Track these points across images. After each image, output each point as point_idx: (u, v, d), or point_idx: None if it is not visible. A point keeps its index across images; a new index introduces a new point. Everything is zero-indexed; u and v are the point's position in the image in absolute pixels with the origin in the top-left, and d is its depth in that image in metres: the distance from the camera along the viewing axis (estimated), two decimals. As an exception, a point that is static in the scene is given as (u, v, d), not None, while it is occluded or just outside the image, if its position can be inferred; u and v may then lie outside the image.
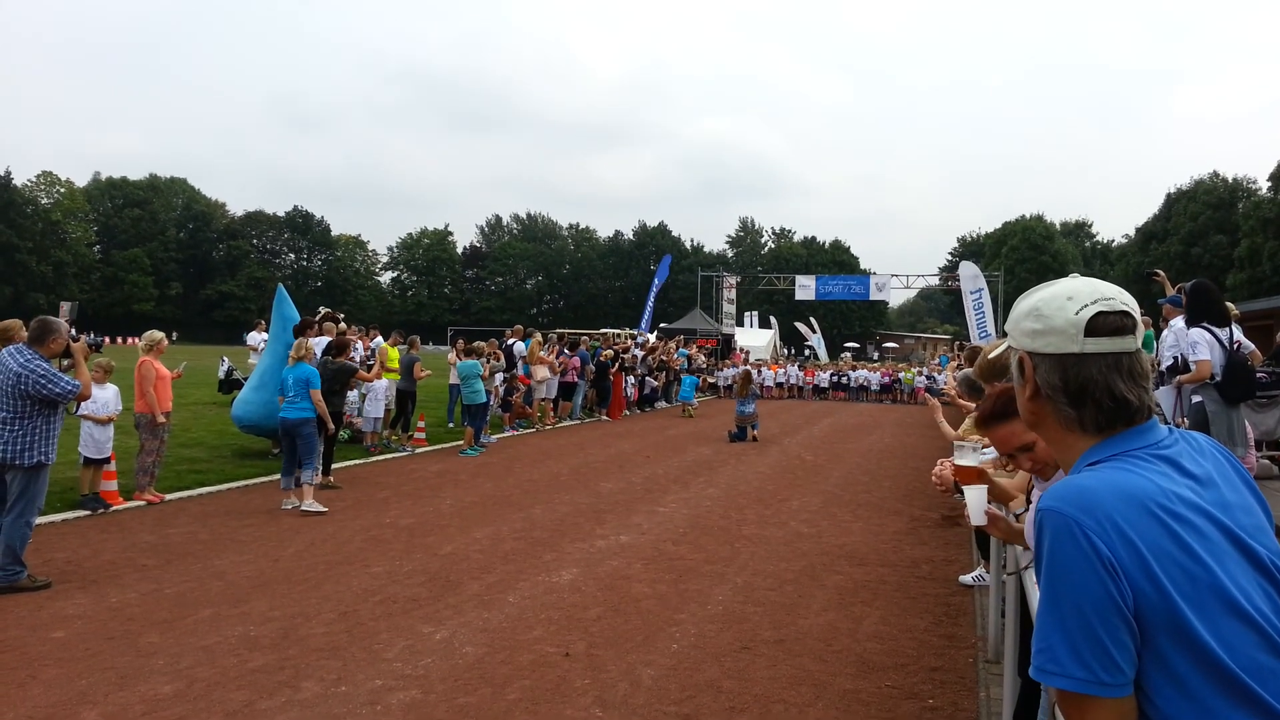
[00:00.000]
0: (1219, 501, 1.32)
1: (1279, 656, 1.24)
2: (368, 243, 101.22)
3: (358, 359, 13.15)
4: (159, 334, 9.88)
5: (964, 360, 11.91)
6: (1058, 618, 1.26)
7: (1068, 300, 1.44)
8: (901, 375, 32.97)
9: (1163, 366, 7.34)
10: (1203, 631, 1.21)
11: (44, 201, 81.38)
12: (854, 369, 34.79)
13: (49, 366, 6.43)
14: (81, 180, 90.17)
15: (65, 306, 9.08)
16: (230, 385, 19.93)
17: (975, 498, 2.77)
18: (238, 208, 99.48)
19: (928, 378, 30.82)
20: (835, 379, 33.26)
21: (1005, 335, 1.64)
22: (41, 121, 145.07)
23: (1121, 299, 1.43)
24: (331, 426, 9.95)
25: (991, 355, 2.78)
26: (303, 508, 8.85)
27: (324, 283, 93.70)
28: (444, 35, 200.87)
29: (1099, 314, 1.40)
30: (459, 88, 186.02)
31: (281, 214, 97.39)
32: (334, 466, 10.80)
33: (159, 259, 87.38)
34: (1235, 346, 6.74)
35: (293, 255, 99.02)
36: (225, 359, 21.58)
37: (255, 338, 19.85)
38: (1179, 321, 7.21)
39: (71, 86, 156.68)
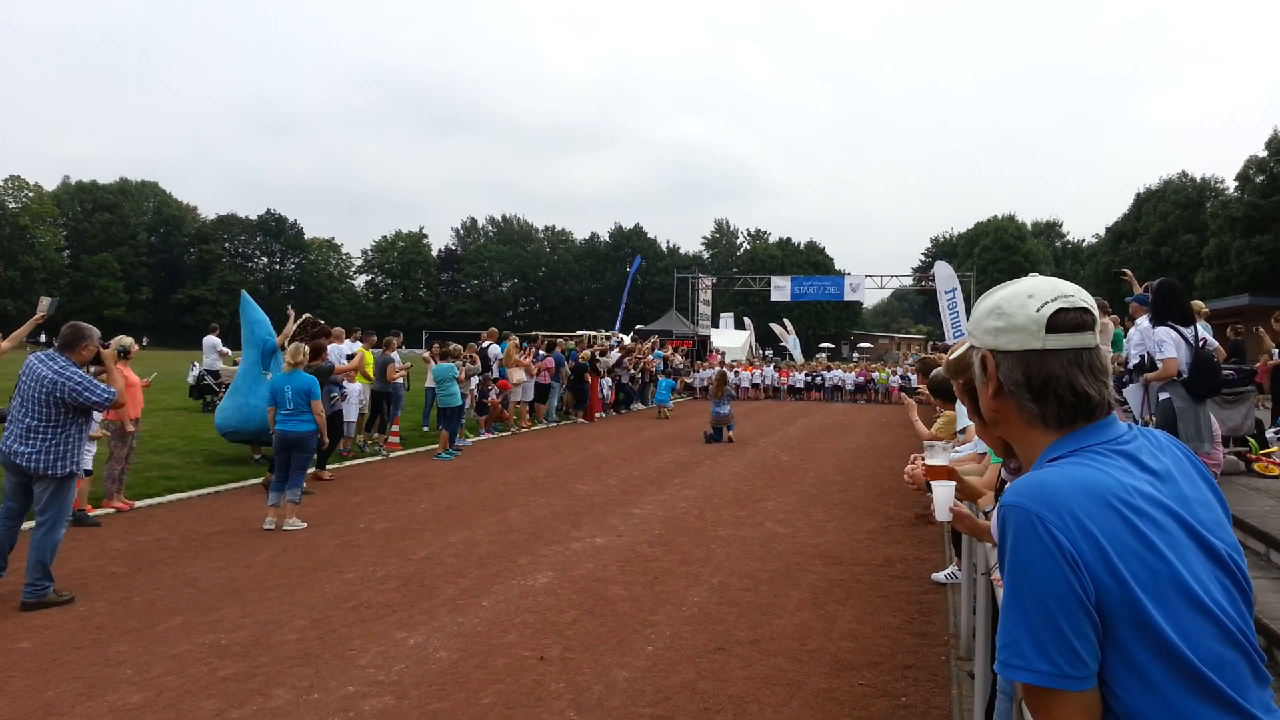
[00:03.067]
0: (1178, 496, 1.34)
1: (1235, 648, 1.26)
2: (341, 246, 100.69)
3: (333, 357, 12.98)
4: (128, 339, 9.75)
5: (916, 369, 12.01)
6: (1021, 611, 1.27)
7: (1029, 298, 1.46)
8: (875, 375, 33.21)
9: (1130, 365, 7.43)
10: (1163, 623, 1.22)
11: (11, 206, 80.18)
12: (829, 369, 35.00)
13: (84, 373, 6.23)
14: (50, 184, 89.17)
15: (45, 302, 8.79)
16: (201, 390, 19.76)
17: (942, 494, 2.80)
18: (209, 211, 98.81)
19: (902, 377, 31.07)
20: (810, 379, 33.44)
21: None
22: (9, 124, 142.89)
23: (1080, 296, 1.46)
24: (327, 440, 9.64)
25: (954, 355, 2.81)
26: (284, 527, 8.48)
27: (297, 286, 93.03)
28: (414, 38, 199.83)
29: (1059, 310, 1.43)
30: (431, 91, 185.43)
31: (254, 217, 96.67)
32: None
33: (129, 264, 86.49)
34: (1200, 344, 6.83)
35: (265, 259, 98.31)
36: (196, 364, 21.38)
37: (211, 341, 19.41)
38: (1144, 320, 7.30)
39: (40, 89, 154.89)
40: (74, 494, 6.36)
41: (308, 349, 9.49)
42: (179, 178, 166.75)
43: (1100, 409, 1.42)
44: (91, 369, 6.75)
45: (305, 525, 8.58)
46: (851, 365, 38.99)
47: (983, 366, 1.52)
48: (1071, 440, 1.41)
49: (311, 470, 11.43)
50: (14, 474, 6.18)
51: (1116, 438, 1.40)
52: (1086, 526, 1.25)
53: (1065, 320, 1.42)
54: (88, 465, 8.73)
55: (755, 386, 32.87)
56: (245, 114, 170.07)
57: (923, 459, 3.07)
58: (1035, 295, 1.46)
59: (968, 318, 1.63)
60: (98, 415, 8.68)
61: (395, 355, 15.02)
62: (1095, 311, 1.46)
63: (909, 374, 30.38)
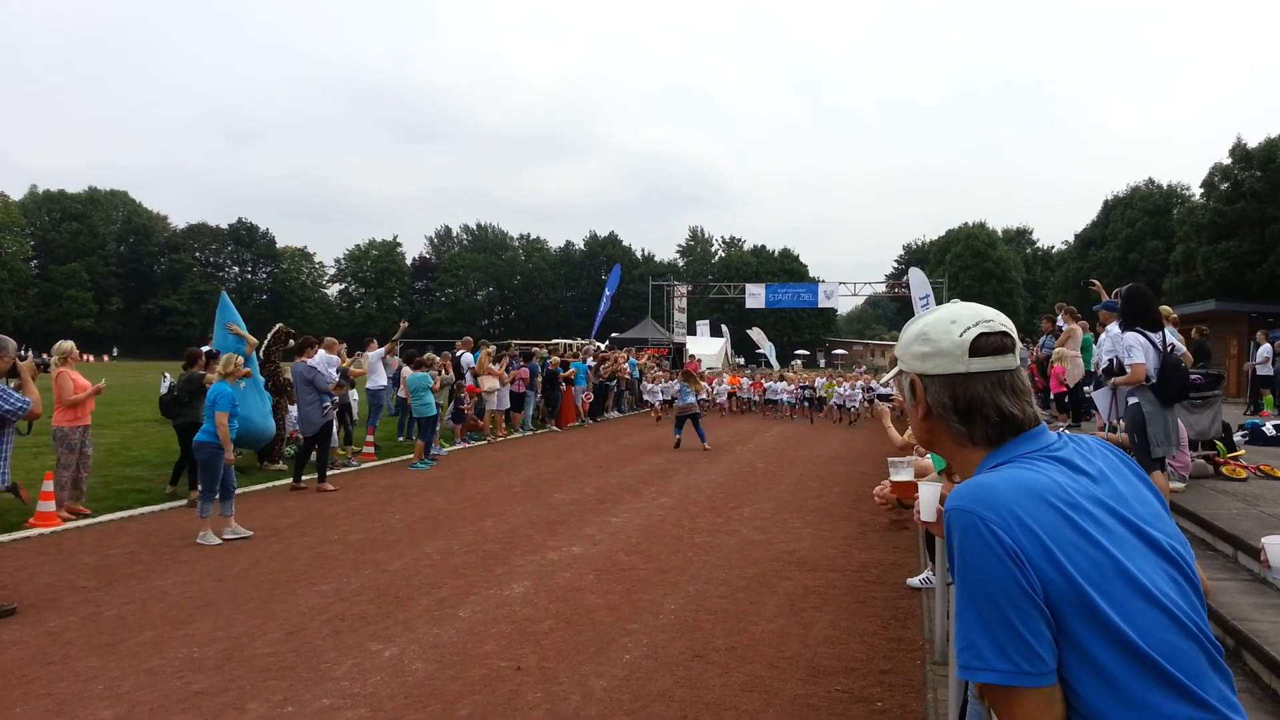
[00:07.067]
0: (1114, 494, 1.39)
1: (1189, 638, 1.29)
2: (314, 255, 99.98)
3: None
4: (69, 344, 9.59)
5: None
6: (975, 613, 1.29)
7: (951, 324, 1.53)
8: (820, 382, 27.95)
9: (1099, 370, 7.52)
10: (1111, 614, 1.25)
11: (-23, 216, 79.05)
12: (783, 378, 29.79)
13: None
14: (17, 193, 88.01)
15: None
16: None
17: (929, 494, 2.81)
18: (180, 220, 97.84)
19: (866, 389, 27.84)
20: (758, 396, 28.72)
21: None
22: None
23: (1000, 320, 1.53)
24: (230, 456, 8.72)
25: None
26: (225, 535, 8.39)
27: (269, 296, 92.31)
28: (384, 48, 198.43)
29: (981, 335, 1.50)
30: (402, 100, 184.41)
31: (225, 226, 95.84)
32: (274, 485, 10.61)
33: (98, 274, 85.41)
34: (1169, 349, 6.93)
35: (237, 268, 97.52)
36: (167, 375, 21.13)
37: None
38: (1115, 326, 7.39)
39: (6, 98, 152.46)
40: None
41: (240, 360, 9.26)
42: (149, 187, 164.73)
43: (1026, 425, 1.48)
44: (13, 382, 6.67)
45: (251, 534, 8.53)
46: (794, 376, 32.00)
47: (911, 390, 1.59)
48: (1005, 451, 1.47)
49: (314, 479, 11.41)
50: None
51: (1047, 445, 1.46)
52: (1026, 523, 1.29)
53: (987, 344, 1.50)
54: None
55: (733, 397, 31.72)
56: (216, 122, 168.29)
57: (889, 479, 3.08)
58: (958, 321, 1.53)
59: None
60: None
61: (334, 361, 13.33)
62: (1014, 335, 1.54)
63: (872, 384, 27.38)
